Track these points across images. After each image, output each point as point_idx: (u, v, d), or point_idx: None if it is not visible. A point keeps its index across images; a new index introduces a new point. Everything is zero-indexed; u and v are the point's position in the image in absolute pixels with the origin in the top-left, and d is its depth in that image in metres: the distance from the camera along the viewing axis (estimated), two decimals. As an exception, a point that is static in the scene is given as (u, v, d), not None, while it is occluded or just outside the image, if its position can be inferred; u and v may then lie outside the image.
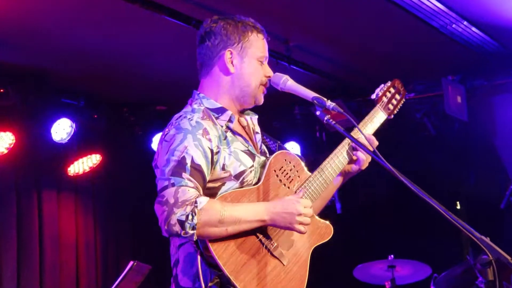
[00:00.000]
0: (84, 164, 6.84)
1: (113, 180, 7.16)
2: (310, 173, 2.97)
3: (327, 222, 2.99)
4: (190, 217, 2.54)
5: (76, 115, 6.55)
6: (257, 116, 3.07)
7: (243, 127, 2.99)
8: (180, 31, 5.21)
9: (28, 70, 6.11)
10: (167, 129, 2.80)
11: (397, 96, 3.30)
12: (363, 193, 7.45)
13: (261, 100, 2.98)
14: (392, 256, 6.52)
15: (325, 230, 2.95)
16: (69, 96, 6.59)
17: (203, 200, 2.60)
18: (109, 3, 5.00)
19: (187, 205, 2.56)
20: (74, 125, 6.48)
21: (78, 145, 6.67)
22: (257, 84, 2.93)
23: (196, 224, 2.55)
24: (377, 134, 3.20)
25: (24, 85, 6.11)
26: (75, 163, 6.76)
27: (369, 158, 3.06)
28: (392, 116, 3.29)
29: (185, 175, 2.64)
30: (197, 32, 3.00)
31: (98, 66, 6.15)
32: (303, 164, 2.99)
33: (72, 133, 6.48)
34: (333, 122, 2.79)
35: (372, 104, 3.22)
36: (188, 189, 2.60)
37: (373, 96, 3.24)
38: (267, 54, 2.99)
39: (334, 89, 6.95)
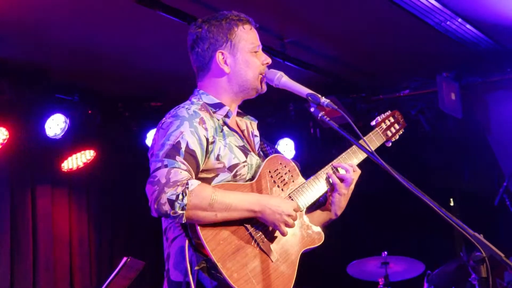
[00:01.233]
0: (78, 160, 6.82)
1: (107, 176, 7.14)
2: (305, 180, 2.99)
3: (320, 229, 3.00)
4: (180, 197, 2.54)
5: (70, 110, 6.52)
6: (256, 122, 3.09)
7: (242, 130, 3.00)
8: (175, 28, 5.20)
9: (23, 66, 6.08)
10: (164, 118, 2.82)
11: (396, 126, 3.34)
12: (356, 190, 7.44)
13: (264, 88, 2.99)
14: (385, 252, 6.53)
15: (317, 236, 2.97)
16: (63, 92, 6.57)
17: (195, 183, 2.61)
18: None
19: (178, 185, 2.57)
20: (68, 121, 6.47)
21: (72, 141, 6.65)
22: (256, 75, 2.95)
23: (186, 205, 2.55)
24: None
25: (18, 80, 6.09)
26: (69, 158, 6.74)
27: (357, 176, 3.05)
28: (390, 143, 3.30)
29: (179, 158, 2.65)
30: (187, 40, 2.99)
31: (93, 61, 6.13)
32: (298, 170, 3.01)
33: (66, 129, 6.46)
34: (327, 118, 2.79)
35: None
36: (181, 171, 2.62)
37: (373, 123, 3.28)
38: (258, 42, 2.99)
39: (328, 86, 6.94)
